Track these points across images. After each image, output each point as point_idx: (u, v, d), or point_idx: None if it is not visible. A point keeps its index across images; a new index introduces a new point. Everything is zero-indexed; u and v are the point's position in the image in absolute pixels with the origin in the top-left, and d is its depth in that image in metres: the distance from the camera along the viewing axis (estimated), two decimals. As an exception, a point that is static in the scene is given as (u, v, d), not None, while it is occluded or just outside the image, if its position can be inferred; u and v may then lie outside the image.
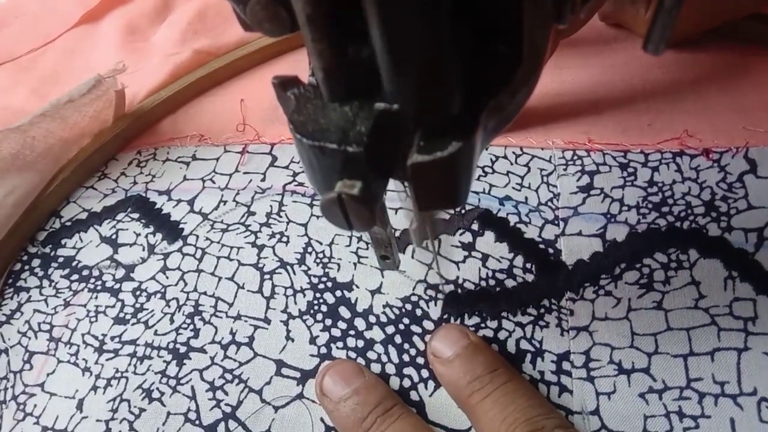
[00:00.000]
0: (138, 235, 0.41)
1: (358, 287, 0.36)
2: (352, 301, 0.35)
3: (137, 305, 0.37)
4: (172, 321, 0.36)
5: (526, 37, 0.18)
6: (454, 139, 0.18)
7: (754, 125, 0.38)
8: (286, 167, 0.43)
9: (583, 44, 0.45)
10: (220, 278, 0.38)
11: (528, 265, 0.35)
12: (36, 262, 0.40)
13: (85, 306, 0.37)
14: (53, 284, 0.39)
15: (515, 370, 0.31)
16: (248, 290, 0.37)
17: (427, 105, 0.18)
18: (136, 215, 0.42)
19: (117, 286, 0.38)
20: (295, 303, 0.36)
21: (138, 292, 0.38)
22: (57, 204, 0.43)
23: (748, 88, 0.41)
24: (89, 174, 0.45)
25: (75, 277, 0.39)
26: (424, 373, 0.32)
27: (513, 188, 0.39)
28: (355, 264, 0.37)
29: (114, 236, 0.41)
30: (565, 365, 0.32)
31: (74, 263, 0.40)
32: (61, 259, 0.40)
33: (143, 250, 0.40)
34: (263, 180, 0.42)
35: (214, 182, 0.43)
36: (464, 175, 0.19)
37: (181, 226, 0.41)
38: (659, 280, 0.33)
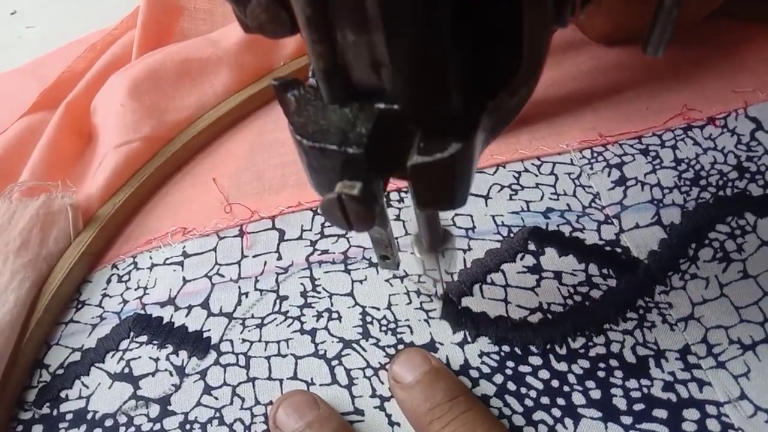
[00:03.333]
0: (157, 360, 0.34)
1: (442, 344, 0.32)
2: (444, 362, 0.32)
3: (194, 442, 0.31)
4: (247, 447, 0.30)
5: (526, 38, 0.18)
6: (454, 140, 0.18)
7: (740, 87, 0.40)
8: (300, 238, 0.38)
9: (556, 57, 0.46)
10: (281, 380, 0.32)
11: (605, 271, 0.34)
12: (38, 429, 0.32)
13: (126, 464, 0.30)
14: (72, 450, 0.31)
15: (476, 398, 0.30)
16: (321, 385, 0.32)
17: (427, 106, 0.18)
18: (144, 338, 0.35)
19: (157, 426, 0.31)
20: (381, 382, 0.32)
21: (188, 426, 0.31)
22: (36, 353, 0.35)
23: (720, 56, 0.43)
24: (63, 307, 0.37)
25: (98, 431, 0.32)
26: (556, 413, 0.30)
27: (550, 199, 0.37)
28: (426, 321, 0.33)
29: (127, 370, 0.34)
30: (691, 359, 0.30)
31: (89, 415, 0.32)
32: (69, 416, 0.32)
33: (172, 375, 0.33)
34: (279, 259, 0.37)
35: (223, 276, 0.37)
36: (464, 175, 0.19)
37: (205, 335, 0.35)
38: (732, 249, 0.33)
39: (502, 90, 0.18)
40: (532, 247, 0.35)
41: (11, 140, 0.45)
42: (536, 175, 0.39)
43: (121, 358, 0.34)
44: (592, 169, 0.38)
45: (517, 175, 0.39)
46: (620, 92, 0.42)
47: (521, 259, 0.35)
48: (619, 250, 0.34)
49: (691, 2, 0.39)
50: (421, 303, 0.34)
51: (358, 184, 0.18)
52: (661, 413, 0.29)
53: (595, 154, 0.39)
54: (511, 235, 0.36)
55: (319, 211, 0.39)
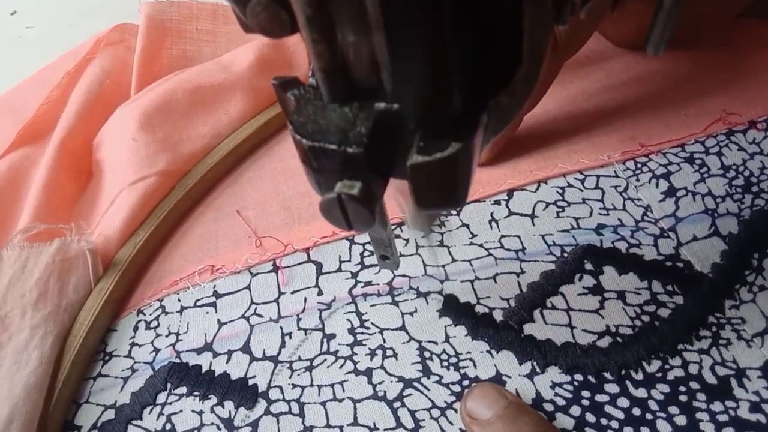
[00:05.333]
0: (201, 413, 0.31)
1: (509, 377, 0.31)
2: (514, 395, 0.30)
3: (255, 503, 0.28)
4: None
5: (526, 38, 0.18)
6: (454, 140, 0.18)
7: (776, 89, 0.40)
8: (339, 270, 0.36)
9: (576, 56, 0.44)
10: (341, 427, 0.30)
11: (669, 288, 0.32)
12: (78, 502, 0.29)
13: None
14: None
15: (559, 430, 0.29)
16: (385, 429, 0.30)
17: (427, 105, 0.18)
18: (183, 389, 0.32)
19: (211, 488, 0.29)
20: (450, 422, 0.30)
21: (246, 486, 0.29)
22: (66, 412, 0.32)
23: (752, 58, 0.42)
24: (89, 361, 0.34)
25: (146, 499, 0.29)
26: (642, 445, 0.28)
27: (600, 214, 0.36)
28: (489, 352, 0.31)
29: (169, 426, 0.31)
30: (775, 376, 0.29)
31: (133, 482, 0.30)
32: (111, 484, 0.30)
33: (219, 429, 0.31)
34: (320, 294, 0.35)
35: (261, 316, 0.35)
36: (464, 175, 0.19)
37: (251, 382, 0.32)
38: (798, 257, 0.32)
39: (502, 89, 0.18)
40: (589, 266, 0.34)
41: None
42: (581, 190, 0.37)
43: (161, 413, 0.32)
44: (638, 180, 0.37)
45: (561, 191, 0.37)
46: (655, 99, 0.41)
47: (580, 279, 0.33)
48: (680, 264, 0.33)
49: (718, 1, 0.38)
50: (478, 332, 0.32)
51: (358, 184, 0.18)
52: (751, 436, 0.28)
53: (639, 165, 0.38)
54: (565, 254, 0.34)
55: (353, 237, 0.37)
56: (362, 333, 0.33)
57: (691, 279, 0.32)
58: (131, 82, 0.48)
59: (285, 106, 0.20)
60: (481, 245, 0.35)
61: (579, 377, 0.30)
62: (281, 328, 0.34)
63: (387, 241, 0.28)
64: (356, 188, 0.18)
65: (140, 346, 0.35)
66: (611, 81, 0.43)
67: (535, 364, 0.31)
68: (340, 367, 0.32)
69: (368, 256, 0.36)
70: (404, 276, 0.35)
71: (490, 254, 0.35)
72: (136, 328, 0.35)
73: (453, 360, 0.31)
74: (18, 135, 0.45)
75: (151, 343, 0.35)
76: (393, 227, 0.37)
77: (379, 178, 0.19)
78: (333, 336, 0.33)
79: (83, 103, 0.46)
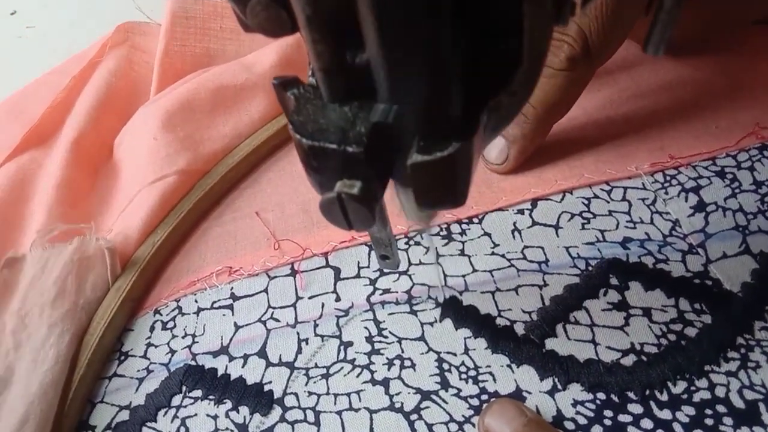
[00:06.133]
0: (215, 417, 0.31)
1: (530, 393, 0.30)
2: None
3: None
4: None
5: (526, 38, 0.18)
6: (454, 139, 0.18)
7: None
8: (357, 276, 0.36)
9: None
10: (356, 438, 0.30)
11: (697, 306, 0.31)
12: (91, 503, 0.29)
13: None
14: None
15: None
16: (401, 441, 0.29)
17: (427, 105, 0.17)
18: (198, 392, 0.32)
19: (224, 495, 0.29)
20: (468, 437, 0.29)
21: (259, 495, 0.28)
22: (81, 412, 0.32)
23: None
24: (105, 359, 0.34)
25: (159, 504, 0.29)
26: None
27: (626, 227, 0.35)
28: (509, 366, 0.31)
29: (183, 429, 0.31)
30: (806, 403, 0.28)
31: (146, 485, 0.29)
32: (124, 487, 0.30)
33: (234, 435, 0.30)
34: (338, 300, 0.35)
35: (278, 320, 0.34)
36: (464, 174, 0.19)
37: (267, 388, 0.32)
38: (833, 279, 0.31)
39: (502, 89, 0.18)
40: (614, 281, 0.33)
41: (5, 184, 0.42)
42: (608, 202, 0.36)
43: (175, 416, 0.31)
44: (667, 193, 0.36)
45: (586, 202, 0.37)
46: (686, 109, 0.40)
47: (604, 294, 0.32)
48: (709, 282, 0.32)
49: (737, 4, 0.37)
50: (499, 346, 0.31)
51: (358, 183, 0.18)
52: (779, 464, 0.27)
53: (668, 178, 0.37)
54: (590, 268, 0.34)
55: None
56: (380, 342, 0.33)
57: (719, 298, 0.32)
58: (143, 79, 0.48)
59: (285, 105, 0.20)
60: (503, 256, 0.35)
61: (602, 396, 0.29)
62: (298, 333, 0.34)
63: (387, 241, 0.28)
64: (356, 187, 0.18)
65: (156, 346, 0.34)
66: (640, 89, 0.42)
67: (556, 380, 0.30)
68: (357, 376, 0.32)
69: (388, 262, 0.36)
70: (423, 285, 0.34)
71: (512, 265, 0.34)
72: (152, 328, 0.35)
73: (472, 373, 0.31)
74: (24, 137, 0.45)
75: (167, 344, 0.34)
76: (415, 234, 0.37)
77: (379, 177, 0.19)
78: (350, 344, 0.33)
79: (93, 104, 0.46)
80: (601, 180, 0.37)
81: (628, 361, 0.30)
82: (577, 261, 0.34)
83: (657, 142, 0.38)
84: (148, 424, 0.31)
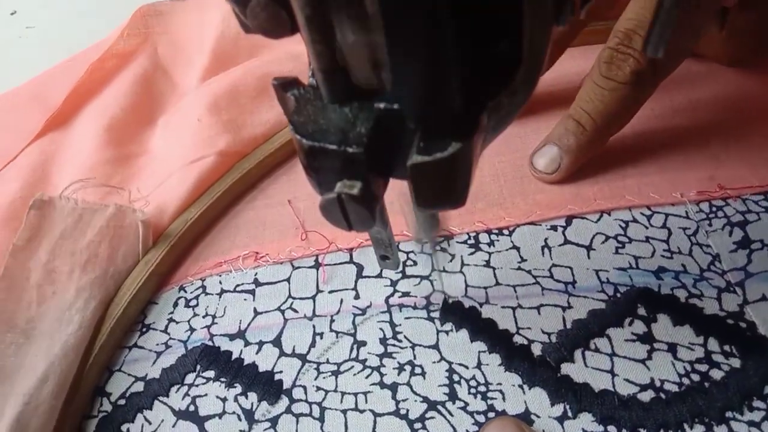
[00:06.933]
0: (224, 399, 0.32)
1: (538, 416, 0.29)
2: (540, 437, 0.29)
3: (262, 501, 0.28)
4: None
5: (526, 38, 0.18)
6: (454, 140, 0.17)
7: None
8: (379, 276, 0.35)
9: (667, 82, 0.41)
10: (358, 439, 0.30)
11: (727, 348, 0.30)
12: (97, 468, 0.30)
13: None
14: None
15: None
16: (402, 449, 0.29)
17: (428, 105, 0.18)
18: (211, 373, 0.33)
19: (223, 478, 0.29)
20: (469, 454, 0.29)
21: (256, 482, 0.29)
22: (98, 378, 0.33)
23: None
24: (127, 329, 0.35)
25: (160, 477, 0.30)
26: None
27: (663, 256, 0.34)
28: (521, 387, 0.30)
29: (192, 407, 0.32)
30: (832, 466, 0.26)
31: (151, 457, 0.30)
32: (130, 456, 0.30)
33: (240, 419, 0.31)
34: (357, 297, 0.35)
35: (296, 311, 0.35)
36: (464, 175, 0.19)
37: (277, 377, 0.32)
38: None
39: (502, 90, 0.18)
40: (642, 311, 0.32)
41: (29, 166, 0.44)
42: (646, 227, 0.35)
43: (187, 394, 0.32)
44: (710, 225, 0.34)
45: (624, 225, 0.35)
46: (744, 135, 0.38)
47: (630, 324, 0.31)
48: (743, 324, 0.31)
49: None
50: (511, 364, 0.31)
51: (358, 184, 0.18)
52: None
53: (714, 209, 0.35)
54: (618, 295, 0.32)
55: (399, 243, 0.36)
56: (393, 345, 0.32)
57: (752, 342, 0.30)
58: (171, 61, 0.49)
59: (285, 106, 0.20)
60: (529, 272, 0.34)
61: (612, 429, 0.28)
62: (314, 326, 0.34)
63: (387, 241, 0.28)
64: (356, 188, 0.18)
65: (177, 323, 0.35)
66: (692, 103, 0.40)
67: (567, 407, 0.29)
68: (367, 377, 0.32)
69: (410, 265, 0.36)
70: (443, 292, 0.34)
71: (538, 282, 0.34)
72: (176, 304, 0.36)
73: (482, 388, 0.30)
74: (46, 122, 0.47)
75: (188, 321, 0.35)
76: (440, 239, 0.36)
77: (379, 178, 0.19)
78: (364, 343, 0.33)
79: (120, 90, 0.47)
80: (642, 204, 0.36)
81: (646, 396, 0.29)
82: (606, 286, 0.33)
83: (708, 170, 0.36)
84: (160, 398, 0.32)
